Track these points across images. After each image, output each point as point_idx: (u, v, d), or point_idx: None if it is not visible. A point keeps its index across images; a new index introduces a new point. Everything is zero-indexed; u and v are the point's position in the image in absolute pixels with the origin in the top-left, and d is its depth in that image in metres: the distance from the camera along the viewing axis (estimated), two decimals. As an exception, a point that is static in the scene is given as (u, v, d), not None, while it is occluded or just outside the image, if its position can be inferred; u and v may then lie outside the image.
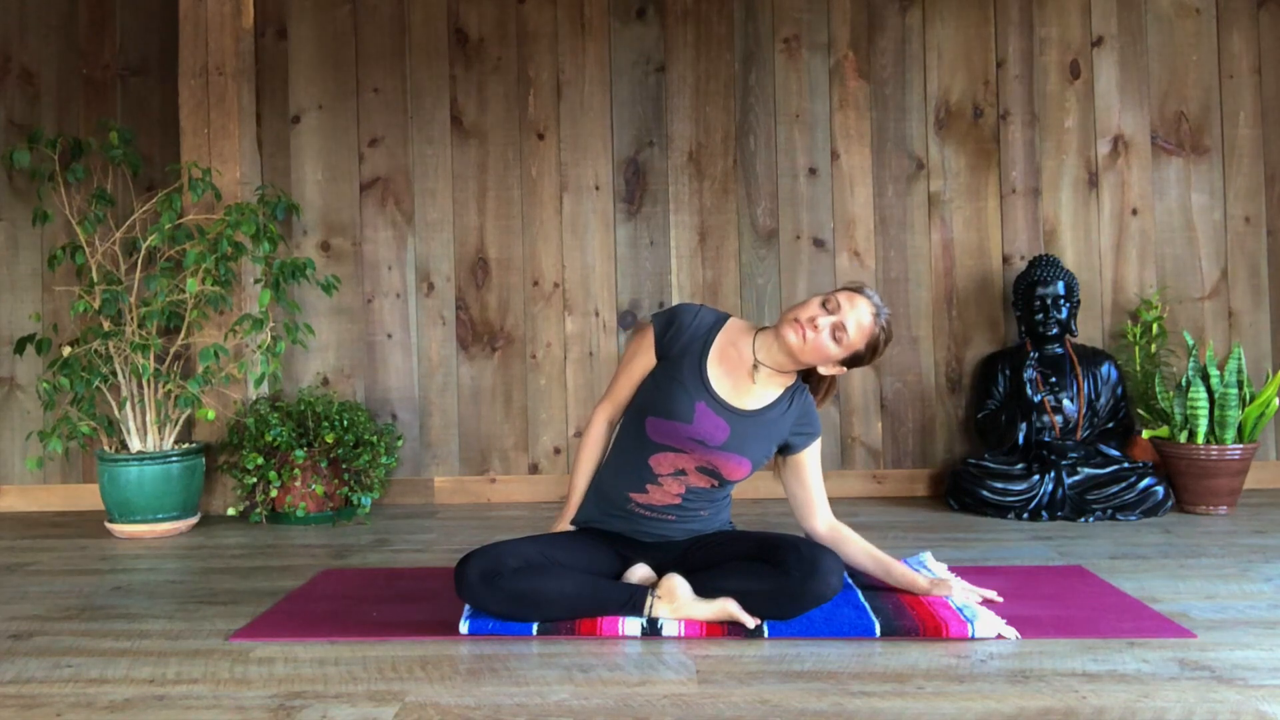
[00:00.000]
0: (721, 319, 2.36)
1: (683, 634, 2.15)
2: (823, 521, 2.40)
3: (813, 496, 2.41)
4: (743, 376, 2.31)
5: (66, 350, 3.43)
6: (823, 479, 2.43)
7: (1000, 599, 2.36)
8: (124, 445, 3.54)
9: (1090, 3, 3.89)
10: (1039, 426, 3.62)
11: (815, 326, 2.21)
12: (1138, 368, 3.74)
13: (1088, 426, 3.66)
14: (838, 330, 2.22)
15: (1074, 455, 3.51)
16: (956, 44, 3.91)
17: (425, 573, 2.77)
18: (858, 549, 2.39)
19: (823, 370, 2.31)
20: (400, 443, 3.92)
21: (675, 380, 2.29)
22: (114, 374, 3.49)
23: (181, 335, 3.59)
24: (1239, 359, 3.49)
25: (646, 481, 2.31)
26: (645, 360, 2.36)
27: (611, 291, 3.92)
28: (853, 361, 2.29)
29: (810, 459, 2.40)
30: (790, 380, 2.35)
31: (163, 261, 3.59)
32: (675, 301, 3.89)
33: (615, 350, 3.93)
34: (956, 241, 3.90)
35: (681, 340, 2.32)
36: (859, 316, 2.23)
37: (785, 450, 2.38)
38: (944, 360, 3.91)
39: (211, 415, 3.47)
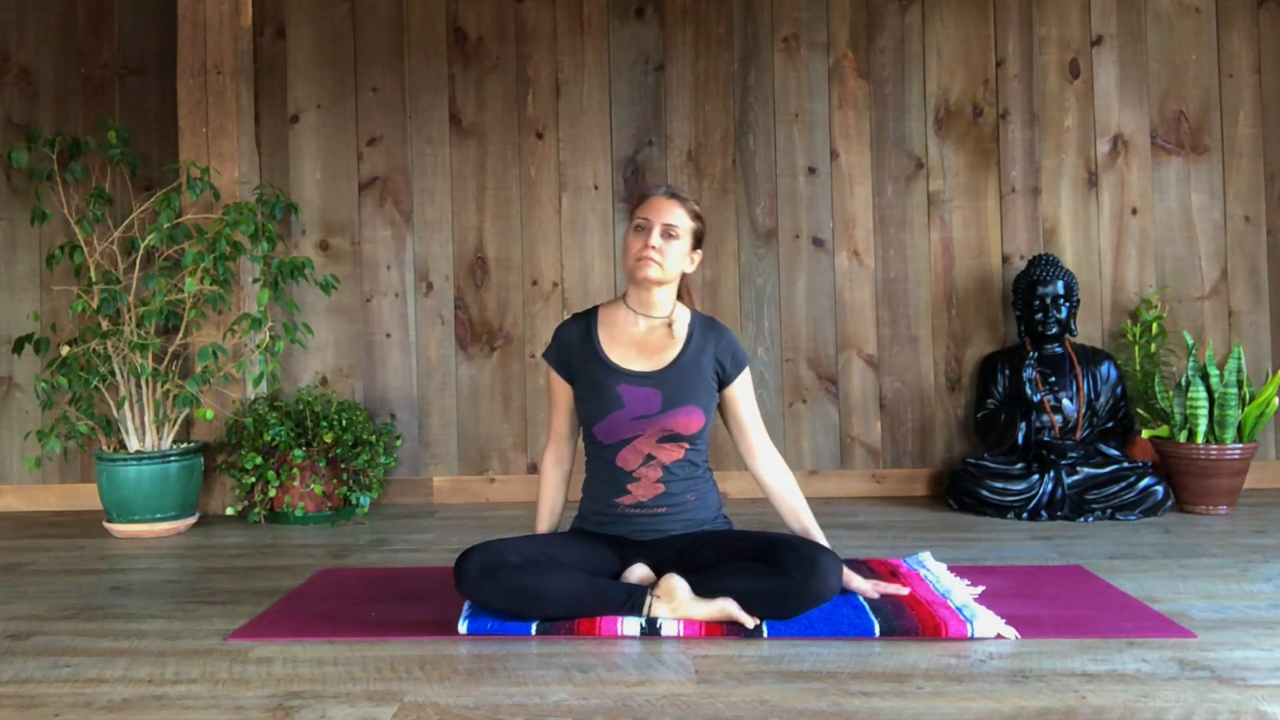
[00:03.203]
0: (591, 312, 2.47)
1: (682, 634, 2.15)
2: (762, 461, 2.43)
3: (748, 433, 2.44)
4: (640, 341, 2.38)
5: (65, 350, 3.42)
6: (759, 414, 2.47)
7: (906, 590, 2.37)
8: (122, 445, 3.54)
9: (1090, 2, 3.88)
10: (1038, 426, 3.62)
11: (652, 248, 2.31)
12: (1137, 367, 3.73)
13: (1087, 426, 3.65)
14: (666, 232, 2.33)
15: (1073, 455, 3.51)
16: (956, 43, 3.91)
17: (424, 572, 2.77)
18: (786, 506, 2.42)
19: (688, 269, 2.40)
20: (399, 442, 3.92)
21: (590, 383, 2.37)
22: (112, 373, 3.48)
23: (180, 335, 3.59)
24: (1239, 358, 3.48)
25: (625, 483, 2.34)
26: (562, 389, 2.45)
27: (610, 291, 3.92)
28: (698, 240, 2.40)
29: (741, 391, 2.43)
30: (682, 312, 2.41)
31: (161, 261, 3.59)
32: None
33: (614, 350, 3.92)
34: (956, 241, 3.90)
35: (572, 352, 2.41)
36: (668, 210, 2.34)
37: (720, 386, 2.42)
38: (943, 360, 3.91)
39: (210, 415, 3.46)
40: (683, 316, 2.42)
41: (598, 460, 2.40)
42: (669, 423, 2.31)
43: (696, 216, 2.39)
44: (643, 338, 2.39)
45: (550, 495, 2.49)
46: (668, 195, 2.37)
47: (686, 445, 2.35)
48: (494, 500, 3.92)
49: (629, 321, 2.41)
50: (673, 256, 2.34)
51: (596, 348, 2.39)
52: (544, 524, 2.48)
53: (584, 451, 2.46)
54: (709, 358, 2.38)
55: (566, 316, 3.94)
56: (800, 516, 2.41)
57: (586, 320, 2.44)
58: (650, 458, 2.33)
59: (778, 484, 2.43)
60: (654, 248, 2.31)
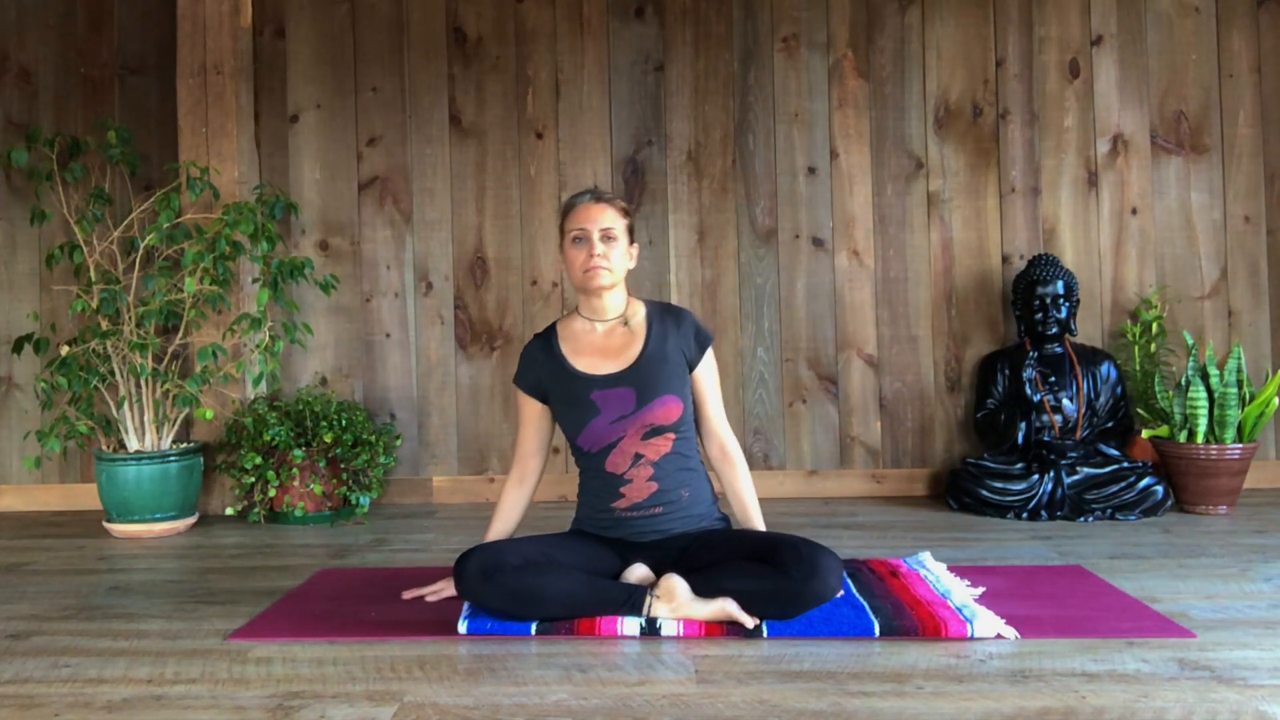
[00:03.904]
0: (550, 330, 2.48)
1: (681, 634, 2.15)
2: (714, 442, 2.47)
3: (709, 413, 2.46)
4: (602, 345, 2.40)
5: (64, 350, 3.42)
6: (720, 395, 2.49)
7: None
8: (122, 445, 3.54)
9: (1090, 2, 3.88)
10: (1038, 426, 3.62)
11: (597, 255, 2.33)
12: (1137, 367, 3.73)
13: (1087, 426, 3.65)
14: (606, 236, 2.35)
15: (1073, 455, 3.51)
16: (956, 43, 3.90)
17: (424, 572, 2.76)
18: (733, 492, 2.46)
19: (630, 265, 2.43)
20: (399, 442, 3.91)
21: (565, 399, 2.39)
22: (112, 373, 3.48)
23: (179, 335, 3.59)
24: (1238, 358, 3.48)
25: (617, 487, 2.35)
26: (531, 411, 2.48)
27: (610, 291, 3.91)
28: (632, 234, 2.43)
29: (705, 371, 2.45)
30: (633, 305, 2.44)
31: (161, 261, 3.59)
32: (673, 300, 3.90)
33: (614, 350, 3.92)
34: (956, 241, 3.90)
35: (541, 371, 2.44)
36: (600, 215, 2.36)
37: (690, 368, 2.43)
38: (943, 360, 3.91)
39: (210, 415, 3.46)
40: (638, 310, 2.44)
41: (588, 470, 2.42)
42: (648, 417, 2.33)
43: (625, 213, 2.42)
44: (604, 341, 2.41)
45: (506, 512, 2.51)
46: (595, 200, 2.39)
47: (672, 435, 2.35)
48: (494, 500, 3.89)
49: (587, 330, 2.43)
50: (617, 258, 2.37)
51: (562, 361, 2.41)
52: (492, 538, 2.49)
53: (575, 464, 2.49)
54: (674, 344, 2.40)
55: (565, 315, 3.96)
56: (747, 508, 2.45)
57: (547, 337, 2.47)
58: (639, 457, 2.34)
59: (730, 467, 2.46)
60: (599, 255, 2.33)
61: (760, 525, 2.44)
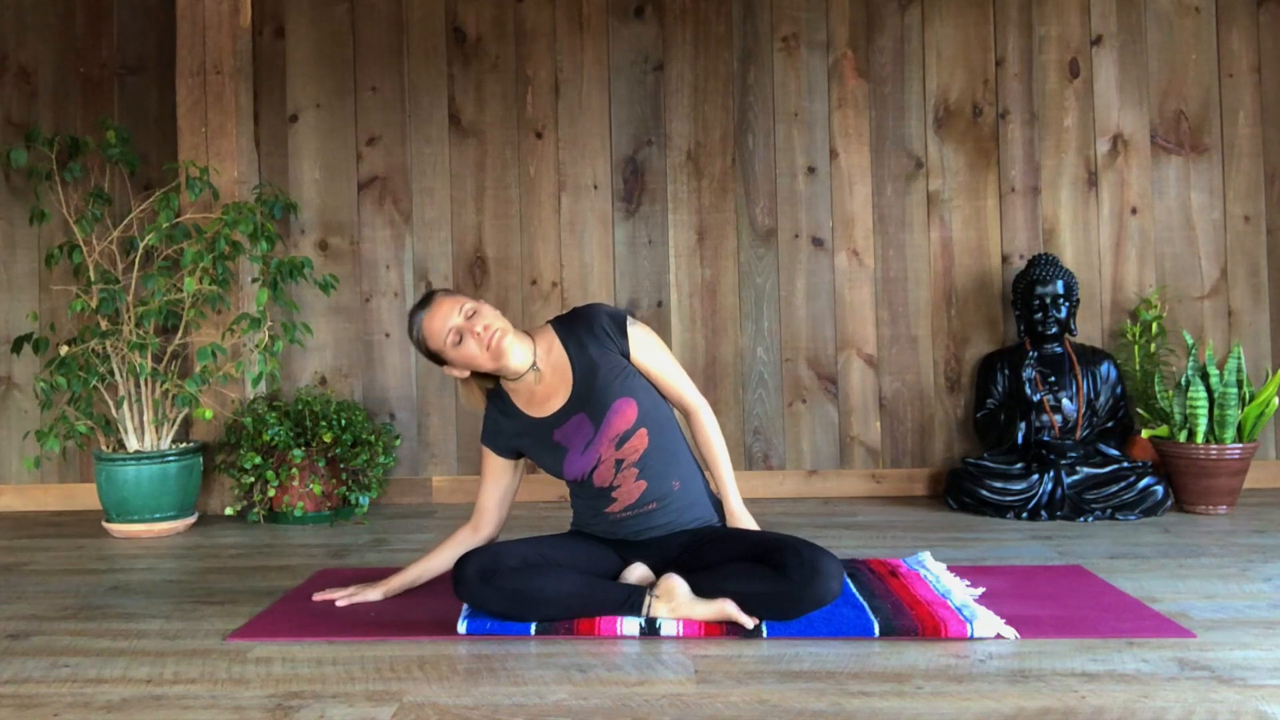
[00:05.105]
0: (499, 391, 2.46)
1: (681, 634, 2.15)
2: (676, 404, 2.47)
3: (659, 379, 2.43)
4: (541, 391, 2.39)
5: (64, 349, 3.42)
6: (677, 369, 2.47)
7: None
8: (121, 445, 3.53)
9: (1090, 1, 3.88)
10: (1038, 426, 3.62)
11: (480, 330, 2.30)
12: (1137, 367, 3.73)
13: (1087, 426, 3.65)
14: (470, 315, 2.32)
15: (1073, 455, 3.51)
16: (955, 43, 3.90)
17: (423, 572, 2.77)
18: (699, 441, 2.47)
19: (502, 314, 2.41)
20: (398, 442, 3.91)
21: (536, 448, 2.41)
22: (111, 373, 3.48)
23: (179, 334, 3.59)
24: (1238, 358, 3.48)
25: (610, 494, 2.35)
26: (495, 466, 2.51)
27: (610, 291, 3.92)
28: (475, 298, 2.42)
29: (643, 352, 2.41)
30: (543, 339, 2.41)
31: (160, 260, 3.59)
32: (673, 300, 3.90)
33: (614, 349, 3.92)
34: (955, 240, 3.90)
35: (508, 433, 2.45)
36: (451, 307, 2.32)
37: (627, 357, 2.41)
38: (943, 359, 3.91)
39: (209, 415, 3.46)
40: (550, 340, 2.41)
41: (578, 490, 2.43)
42: (611, 431, 2.32)
43: (457, 289, 2.39)
44: (542, 385, 2.39)
45: (446, 550, 2.50)
46: (431, 304, 2.34)
47: (643, 431, 2.34)
48: (493, 500, 3.91)
49: (523, 385, 2.41)
50: (496, 319, 2.33)
51: (520, 416, 2.41)
52: (409, 573, 2.50)
53: (565, 484, 2.49)
54: (595, 348, 2.37)
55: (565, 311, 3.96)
56: (712, 459, 2.45)
57: (500, 397, 2.45)
58: (620, 463, 2.33)
59: (691, 417, 2.47)
60: (483, 331, 2.29)
61: (725, 472, 2.44)
